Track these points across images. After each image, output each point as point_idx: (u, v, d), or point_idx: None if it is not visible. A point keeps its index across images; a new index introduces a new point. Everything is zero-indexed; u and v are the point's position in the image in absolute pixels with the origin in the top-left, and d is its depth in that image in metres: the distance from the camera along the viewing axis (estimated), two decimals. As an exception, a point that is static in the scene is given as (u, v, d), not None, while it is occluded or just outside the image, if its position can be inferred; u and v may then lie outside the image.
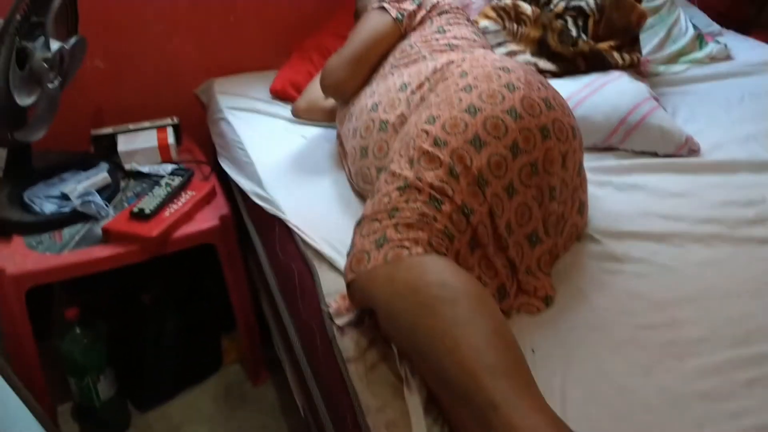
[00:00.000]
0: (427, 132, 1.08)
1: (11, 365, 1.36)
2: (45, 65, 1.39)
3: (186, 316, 1.69)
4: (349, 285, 0.98)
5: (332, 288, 1.11)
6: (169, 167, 1.68)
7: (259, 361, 1.74)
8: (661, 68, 1.89)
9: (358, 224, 1.03)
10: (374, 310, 0.96)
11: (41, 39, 1.39)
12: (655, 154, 1.49)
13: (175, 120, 1.81)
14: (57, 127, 1.53)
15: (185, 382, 1.74)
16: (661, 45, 1.93)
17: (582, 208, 1.21)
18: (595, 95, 1.53)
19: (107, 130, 1.76)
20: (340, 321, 1.03)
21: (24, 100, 1.38)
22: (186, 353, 1.71)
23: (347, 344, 1.00)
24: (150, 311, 1.64)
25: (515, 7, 1.75)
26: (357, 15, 1.67)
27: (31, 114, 1.47)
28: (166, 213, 1.50)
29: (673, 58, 1.93)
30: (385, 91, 1.31)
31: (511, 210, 1.07)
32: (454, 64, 1.24)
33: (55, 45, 1.41)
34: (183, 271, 1.70)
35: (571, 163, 1.15)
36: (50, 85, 1.43)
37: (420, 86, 1.25)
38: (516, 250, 1.07)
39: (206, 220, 1.54)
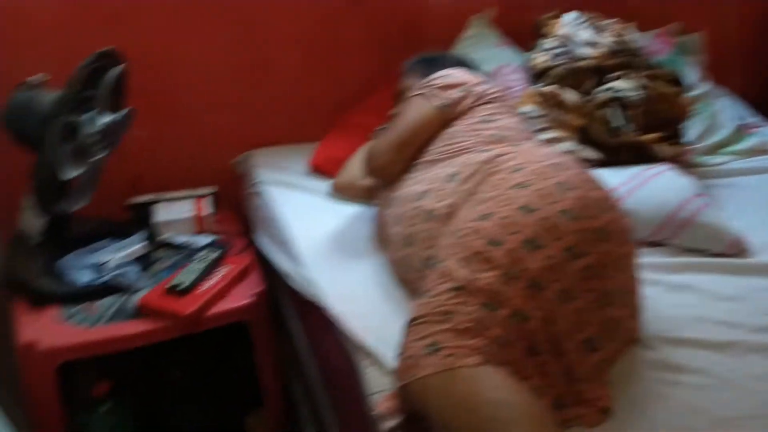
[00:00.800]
0: (480, 230, 1.05)
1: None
2: (93, 139, 1.39)
3: (212, 392, 1.65)
4: (400, 390, 0.95)
5: (378, 386, 1.07)
6: (205, 239, 1.67)
7: (286, 443, 1.68)
8: (701, 159, 1.87)
9: (408, 325, 1.00)
10: (427, 417, 0.92)
11: (91, 113, 1.40)
12: (703, 251, 1.45)
13: (213, 189, 1.81)
14: (95, 193, 1.53)
15: (207, 462, 1.69)
16: (702, 136, 1.91)
17: (637, 311, 1.17)
18: (642, 188, 1.51)
19: (145, 198, 1.76)
20: (388, 425, 0.99)
21: (69, 173, 1.38)
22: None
23: (397, 451, 0.96)
24: (177, 387, 1.60)
25: (557, 93, 1.75)
26: (399, 96, 1.67)
27: (74, 184, 1.47)
28: (202, 289, 1.48)
29: (714, 150, 1.91)
30: (432, 180, 1.29)
31: (568, 315, 1.03)
32: (504, 157, 1.22)
33: (104, 119, 1.42)
34: (212, 344, 1.66)
35: (628, 266, 1.12)
36: (96, 158, 1.43)
37: (469, 177, 1.23)
38: (572, 357, 1.03)
39: (241, 297, 1.51)
